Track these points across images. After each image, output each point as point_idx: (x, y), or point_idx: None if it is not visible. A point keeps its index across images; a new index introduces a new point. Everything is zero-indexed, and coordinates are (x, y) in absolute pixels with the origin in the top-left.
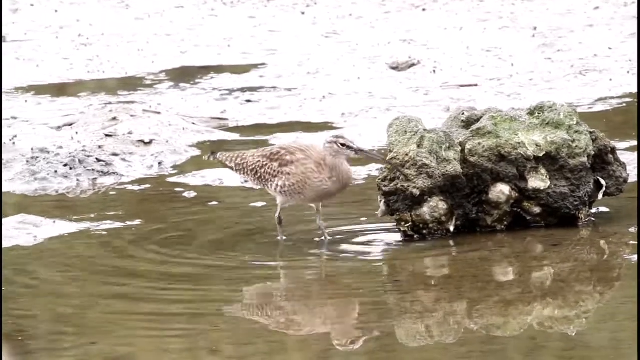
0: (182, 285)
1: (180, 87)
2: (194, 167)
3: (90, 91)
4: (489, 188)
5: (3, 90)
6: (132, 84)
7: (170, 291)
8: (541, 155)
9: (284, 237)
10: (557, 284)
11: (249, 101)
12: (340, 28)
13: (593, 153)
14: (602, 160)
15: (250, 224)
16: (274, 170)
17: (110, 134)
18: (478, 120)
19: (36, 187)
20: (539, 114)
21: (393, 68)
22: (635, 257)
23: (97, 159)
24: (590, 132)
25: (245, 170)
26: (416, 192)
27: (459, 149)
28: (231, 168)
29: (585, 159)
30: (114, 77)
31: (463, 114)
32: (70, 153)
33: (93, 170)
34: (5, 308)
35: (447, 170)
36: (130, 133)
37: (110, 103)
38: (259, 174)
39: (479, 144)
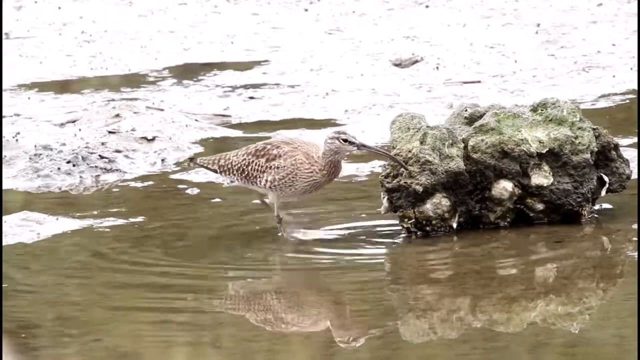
0: (186, 281)
1: (183, 84)
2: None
3: (93, 88)
4: (492, 185)
5: (7, 88)
6: (135, 80)
7: (173, 287)
8: (544, 151)
9: (285, 235)
10: (560, 280)
11: (252, 98)
12: (343, 25)
13: (596, 150)
14: (605, 156)
15: (252, 221)
16: (262, 166)
17: (113, 130)
18: (481, 116)
19: (39, 184)
20: (542, 110)
21: (396, 65)
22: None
23: (100, 155)
24: (594, 129)
25: (232, 171)
26: (419, 188)
27: (462, 145)
28: (215, 171)
29: (588, 156)
30: (117, 74)
31: (466, 110)
32: (73, 150)
33: (96, 167)
34: (9, 305)
35: (450, 167)
36: (133, 130)
37: (113, 100)
38: (246, 172)
39: (482, 140)
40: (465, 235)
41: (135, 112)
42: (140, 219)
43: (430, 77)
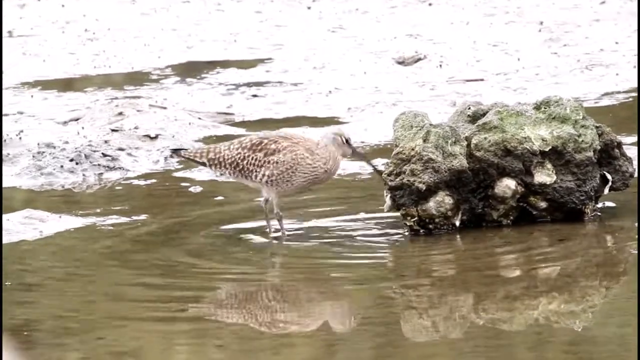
0: (189, 280)
1: (187, 82)
2: None
3: (96, 86)
4: (495, 183)
5: (11, 86)
6: (138, 78)
7: (177, 286)
8: (547, 149)
9: (287, 233)
10: (563, 278)
11: (255, 96)
12: (346, 23)
13: (599, 147)
14: (608, 154)
15: (255, 219)
16: (259, 160)
17: (116, 128)
18: (484, 114)
19: (42, 182)
20: (545, 108)
21: (399, 63)
22: None
23: (103, 153)
24: (597, 127)
25: (223, 164)
26: (422, 186)
27: (465, 143)
28: (203, 164)
29: (591, 154)
30: (120, 72)
31: (469, 108)
32: (76, 148)
33: (99, 165)
34: (11, 303)
35: (453, 165)
36: (136, 128)
37: (116, 98)
38: (240, 166)
39: (485, 138)
40: (468, 233)
41: (138, 110)
42: (143, 217)
43: (433, 75)
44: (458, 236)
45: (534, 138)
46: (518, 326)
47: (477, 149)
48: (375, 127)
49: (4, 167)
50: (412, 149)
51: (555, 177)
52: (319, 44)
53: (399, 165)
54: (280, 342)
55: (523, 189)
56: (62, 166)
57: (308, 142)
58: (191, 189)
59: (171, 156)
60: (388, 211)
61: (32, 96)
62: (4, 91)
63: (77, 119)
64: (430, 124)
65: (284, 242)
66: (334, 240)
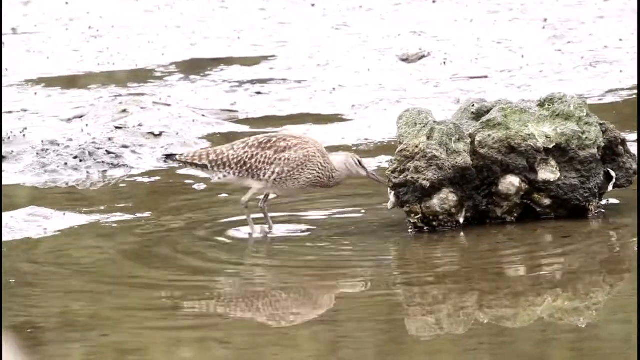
0: (193, 277)
1: (190, 79)
2: None
3: (100, 83)
4: (499, 180)
5: (14, 83)
6: (142, 76)
7: (181, 283)
8: (551, 146)
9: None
10: (567, 275)
11: (259, 93)
12: (350, 20)
13: (603, 145)
14: (612, 151)
15: (258, 217)
16: (269, 158)
17: (120, 126)
18: (488, 112)
19: (46, 180)
20: (549, 105)
21: (403, 60)
22: None
23: (107, 151)
24: (600, 124)
25: (228, 164)
26: (426, 183)
27: (469, 140)
28: (204, 166)
29: (595, 151)
30: (124, 69)
31: (473, 105)
32: (80, 145)
33: (103, 162)
34: (15, 300)
35: (457, 162)
36: (140, 125)
37: (120, 95)
38: (248, 165)
39: (489, 135)
40: (472, 230)
41: (142, 108)
42: (147, 214)
43: (437, 72)
44: (462, 233)
45: (538, 135)
46: (522, 323)
47: (481, 146)
48: (379, 124)
49: (8, 165)
50: (416, 146)
51: (559, 174)
52: (322, 41)
53: (402, 163)
54: (284, 338)
55: (527, 186)
56: (66, 163)
57: (318, 144)
58: (195, 186)
59: (165, 162)
60: (392, 208)
61: (35, 93)
62: (8, 89)
63: (81, 116)
64: (434, 121)
65: (287, 239)
66: (338, 237)
